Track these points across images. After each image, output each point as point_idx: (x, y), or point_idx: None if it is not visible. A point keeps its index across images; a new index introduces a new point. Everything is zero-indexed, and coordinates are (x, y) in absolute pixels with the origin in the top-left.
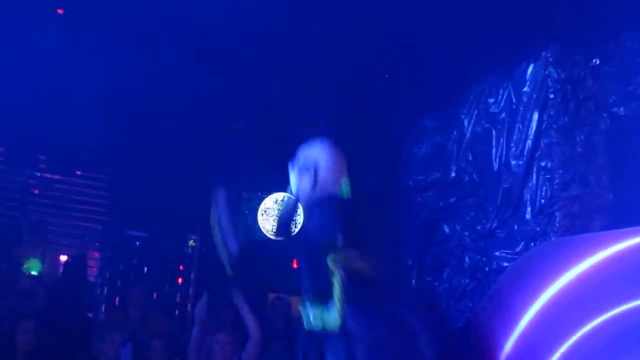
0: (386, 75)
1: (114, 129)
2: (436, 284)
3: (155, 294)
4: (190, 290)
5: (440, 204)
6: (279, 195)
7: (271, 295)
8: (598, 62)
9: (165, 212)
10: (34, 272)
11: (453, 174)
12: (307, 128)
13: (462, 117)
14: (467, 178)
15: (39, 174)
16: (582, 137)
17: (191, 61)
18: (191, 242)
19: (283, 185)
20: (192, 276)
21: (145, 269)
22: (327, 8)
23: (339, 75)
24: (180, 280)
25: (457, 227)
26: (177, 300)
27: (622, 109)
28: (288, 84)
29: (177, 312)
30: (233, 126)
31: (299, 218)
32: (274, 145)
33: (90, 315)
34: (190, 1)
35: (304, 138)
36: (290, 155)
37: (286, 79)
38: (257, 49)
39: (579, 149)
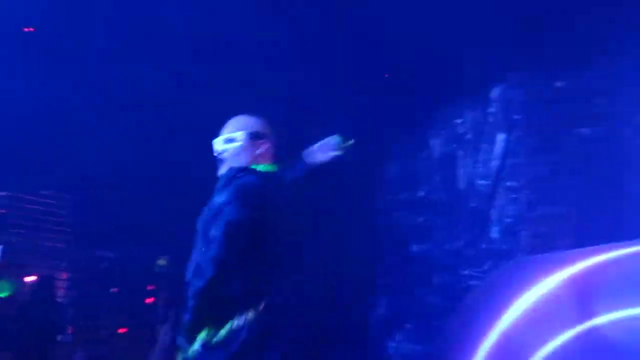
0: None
1: (80, 148)
2: (406, 302)
3: (123, 315)
4: (160, 310)
5: (410, 223)
6: None
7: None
8: (563, 83)
9: (134, 231)
10: (2, 295)
11: (422, 194)
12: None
13: (431, 137)
14: (435, 198)
15: (4, 194)
16: (547, 157)
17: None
18: (161, 262)
19: None
20: (163, 295)
21: (114, 289)
22: (288, 32)
23: (307, 94)
24: (149, 300)
25: (426, 246)
26: (146, 321)
27: (586, 129)
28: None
29: (145, 333)
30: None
31: None
32: None
33: (59, 336)
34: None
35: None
36: None
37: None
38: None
39: (544, 169)
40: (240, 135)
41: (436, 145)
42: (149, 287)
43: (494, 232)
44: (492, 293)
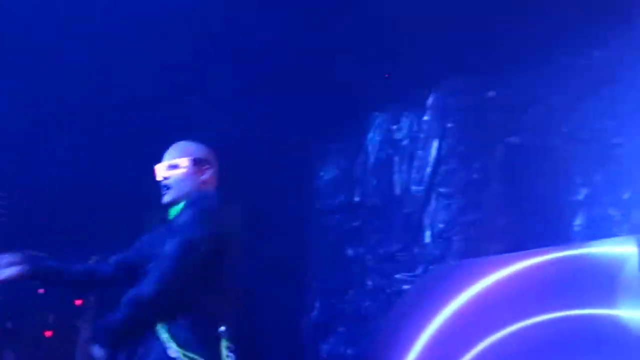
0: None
1: (9, 148)
2: (339, 306)
3: (51, 317)
4: (90, 312)
5: (345, 227)
6: None
7: None
8: (494, 93)
9: (64, 230)
10: None
11: (357, 198)
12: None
13: (367, 142)
14: (370, 202)
15: None
16: (478, 165)
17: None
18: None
19: None
20: (92, 298)
21: (42, 290)
22: (234, 32)
23: (245, 95)
24: (79, 302)
25: (361, 250)
26: (74, 323)
27: (516, 137)
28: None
29: (73, 335)
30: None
31: None
32: None
33: None
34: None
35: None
36: None
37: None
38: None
39: (476, 176)
40: (184, 161)
41: (372, 150)
42: None
43: (427, 237)
44: (423, 297)
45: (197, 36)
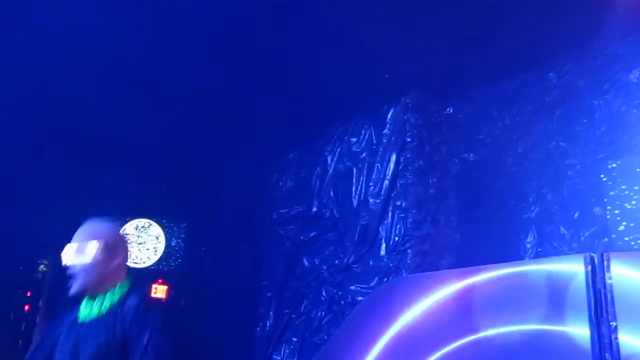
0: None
1: None
2: (293, 316)
3: None
4: (38, 318)
5: (302, 237)
6: (139, 222)
7: None
8: (452, 110)
9: (13, 234)
10: None
11: (315, 209)
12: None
13: (326, 153)
14: (328, 213)
15: None
16: (434, 180)
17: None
18: (42, 267)
19: (142, 212)
20: (40, 303)
21: None
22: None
23: (201, 105)
24: (27, 307)
25: (317, 261)
26: (22, 329)
27: (471, 155)
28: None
29: (21, 342)
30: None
31: None
32: (138, 170)
33: None
34: None
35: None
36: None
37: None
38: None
39: (432, 191)
40: (92, 246)
41: (331, 161)
42: (28, 294)
43: (382, 250)
44: (376, 309)
45: (150, 36)
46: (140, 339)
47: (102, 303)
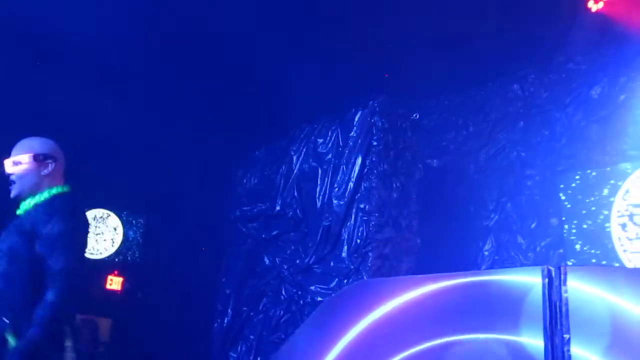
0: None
1: None
2: (252, 314)
3: None
4: None
5: (264, 235)
6: (97, 212)
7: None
8: (418, 116)
9: None
10: None
11: (278, 208)
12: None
13: (292, 153)
14: (291, 213)
15: None
16: (398, 184)
17: None
18: None
19: (101, 202)
20: None
21: None
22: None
23: (166, 96)
24: None
25: (277, 260)
26: None
27: (435, 160)
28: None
29: None
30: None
31: None
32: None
33: None
34: None
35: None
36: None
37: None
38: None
39: (395, 195)
40: (25, 158)
41: (297, 161)
42: None
43: (344, 252)
44: (337, 311)
45: (127, 35)
46: (45, 227)
47: (28, 204)
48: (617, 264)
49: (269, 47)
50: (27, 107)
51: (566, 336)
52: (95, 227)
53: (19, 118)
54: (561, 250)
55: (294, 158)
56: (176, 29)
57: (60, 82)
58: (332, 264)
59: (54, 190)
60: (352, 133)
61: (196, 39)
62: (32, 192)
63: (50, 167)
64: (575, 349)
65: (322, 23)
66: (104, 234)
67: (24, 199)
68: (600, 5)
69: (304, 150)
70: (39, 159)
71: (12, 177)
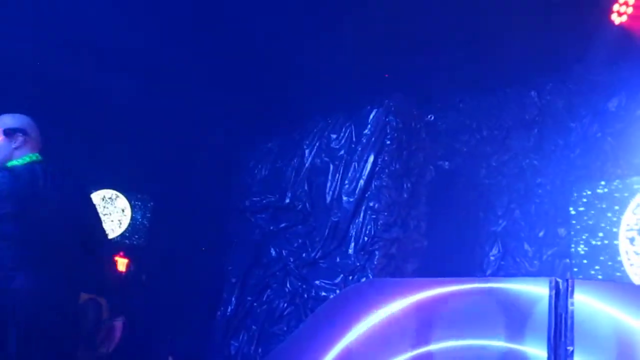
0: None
1: None
2: (255, 304)
3: None
4: None
5: (272, 227)
6: (106, 193)
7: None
8: (433, 117)
9: None
10: None
11: (287, 200)
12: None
13: (304, 146)
14: (300, 206)
15: None
16: (409, 185)
17: None
18: None
19: (110, 183)
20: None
21: None
22: (174, 27)
23: (182, 83)
24: None
25: (284, 252)
26: None
27: (446, 163)
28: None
29: None
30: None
31: None
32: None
33: None
34: None
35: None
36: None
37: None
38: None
39: (405, 195)
40: None
41: (309, 154)
42: None
43: (351, 249)
44: (341, 309)
45: (143, 18)
46: None
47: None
48: (619, 274)
49: (290, 37)
50: (40, 86)
51: (570, 348)
52: (104, 207)
53: (32, 98)
54: (567, 260)
55: (306, 152)
56: (195, 13)
57: (74, 60)
58: (338, 259)
59: (22, 162)
60: (366, 130)
61: (216, 25)
62: (3, 163)
63: (19, 141)
64: None
65: (345, 17)
66: (112, 214)
67: None
68: (624, 18)
69: (317, 144)
70: (8, 133)
71: None
